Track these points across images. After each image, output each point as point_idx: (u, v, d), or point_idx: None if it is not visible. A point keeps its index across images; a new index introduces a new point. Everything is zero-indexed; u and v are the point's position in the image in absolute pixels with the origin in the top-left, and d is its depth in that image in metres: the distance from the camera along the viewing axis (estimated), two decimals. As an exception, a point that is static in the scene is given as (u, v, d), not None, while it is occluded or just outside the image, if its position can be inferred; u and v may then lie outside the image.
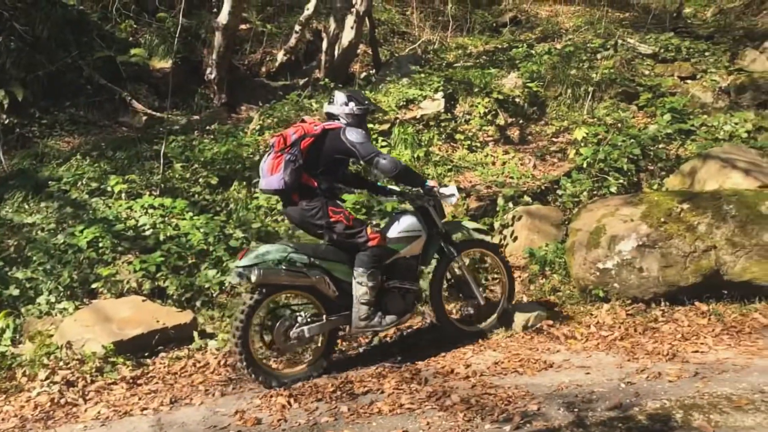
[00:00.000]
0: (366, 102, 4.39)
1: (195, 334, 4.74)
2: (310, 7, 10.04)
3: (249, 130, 7.99)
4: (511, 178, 7.06)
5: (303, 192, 4.15)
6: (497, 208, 6.38)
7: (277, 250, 4.09)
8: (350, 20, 9.78)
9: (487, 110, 8.00)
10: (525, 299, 5.45)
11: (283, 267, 4.04)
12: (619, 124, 7.54)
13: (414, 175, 4.50)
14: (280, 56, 10.24)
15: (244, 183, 6.80)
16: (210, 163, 7.14)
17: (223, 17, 9.02)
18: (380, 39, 10.97)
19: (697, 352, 4.13)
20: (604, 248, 5.11)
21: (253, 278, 3.92)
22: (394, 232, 4.39)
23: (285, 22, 11.00)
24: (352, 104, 4.26)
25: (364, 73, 10.10)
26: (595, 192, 6.49)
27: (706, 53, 9.41)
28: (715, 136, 7.31)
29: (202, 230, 5.78)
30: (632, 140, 6.95)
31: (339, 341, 4.65)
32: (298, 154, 4.06)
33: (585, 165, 6.75)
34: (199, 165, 7.12)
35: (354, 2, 9.78)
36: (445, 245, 4.61)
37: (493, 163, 7.49)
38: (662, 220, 5.02)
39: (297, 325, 4.14)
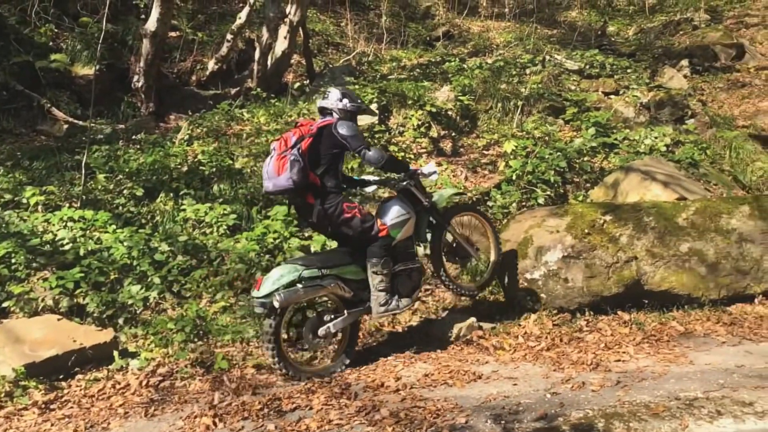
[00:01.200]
0: (358, 100, 4.67)
1: (115, 353, 4.52)
2: (242, 16, 9.88)
3: (177, 140, 7.76)
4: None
5: (316, 192, 4.32)
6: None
7: (289, 271, 4.25)
8: (284, 30, 9.70)
9: (420, 122, 8.06)
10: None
11: (300, 285, 4.24)
12: (547, 138, 7.73)
13: (398, 163, 4.77)
14: (211, 65, 10.02)
15: (171, 194, 6.58)
16: (135, 173, 6.89)
17: (151, 24, 8.76)
18: (314, 49, 10.91)
19: (619, 360, 4.25)
20: (532, 259, 5.21)
21: (277, 304, 4.12)
22: (387, 221, 4.59)
23: (216, 31, 10.78)
24: (345, 101, 4.52)
25: (297, 83, 10.00)
26: (523, 203, 6.64)
27: (629, 70, 9.81)
28: (636, 149, 7.61)
29: (125, 244, 5.57)
30: (559, 153, 7.15)
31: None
32: (301, 154, 4.22)
33: (514, 177, 6.89)
34: (123, 176, 6.86)
35: (287, 12, 9.71)
36: (434, 218, 4.87)
37: (426, 175, 7.53)
38: (586, 231, 5.17)
39: (323, 323, 4.38)
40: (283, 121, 8.02)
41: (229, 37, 9.89)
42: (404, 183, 4.71)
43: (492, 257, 5.18)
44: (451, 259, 5.17)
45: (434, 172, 4.83)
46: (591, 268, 5.06)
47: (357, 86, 8.94)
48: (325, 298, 4.51)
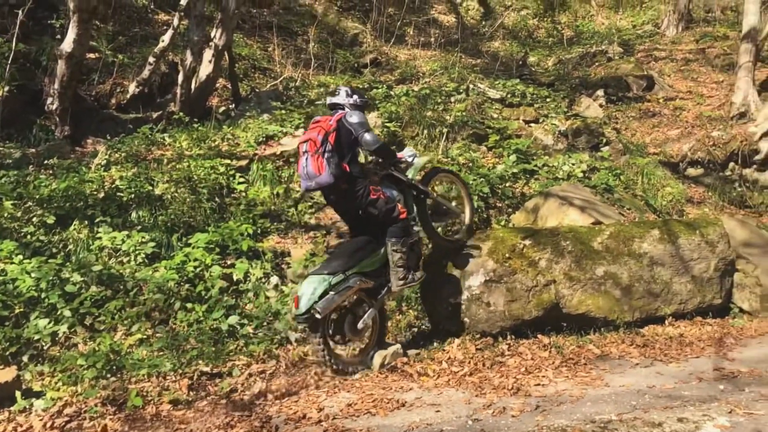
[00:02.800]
0: (365, 96, 5.17)
1: (18, 393, 4.23)
2: (165, 39, 9.68)
3: (94, 165, 7.46)
4: (370, 215, 7.12)
5: (345, 179, 4.69)
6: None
7: (319, 282, 4.59)
8: (209, 54, 9.55)
9: (347, 148, 8.06)
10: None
11: (332, 293, 4.59)
12: (471, 164, 7.90)
13: (389, 150, 5.11)
14: (132, 88, 9.72)
15: (86, 222, 6.29)
16: (47, 200, 6.55)
17: (67, 44, 8.44)
18: (240, 74, 10.79)
19: (538, 385, 4.31)
20: (456, 283, 5.25)
21: (319, 316, 4.47)
22: None
23: (138, 53, 10.49)
24: (355, 96, 4.98)
25: (222, 108, 9.85)
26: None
27: (548, 99, 10.20)
28: (555, 175, 7.89)
29: (33, 275, 5.28)
30: (482, 179, 7.31)
31: (187, 391, 4.45)
32: (332, 149, 4.61)
33: (439, 203, 6.97)
34: (33, 203, 6.51)
35: (213, 36, 9.58)
36: (416, 190, 5.23)
37: (353, 201, 7.53)
38: (507, 255, 5.26)
39: (359, 318, 4.78)
40: (206, 146, 7.85)
41: (151, 59, 9.66)
42: (384, 168, 5.06)
43: (467, 212, 5.63)
44: (437, 219, 5.57)
45: (414, 155, 5.23)
46: (512, 291, 5.15)
47: (284, 111, 8.90)
48: (354, 297, 4.83)
